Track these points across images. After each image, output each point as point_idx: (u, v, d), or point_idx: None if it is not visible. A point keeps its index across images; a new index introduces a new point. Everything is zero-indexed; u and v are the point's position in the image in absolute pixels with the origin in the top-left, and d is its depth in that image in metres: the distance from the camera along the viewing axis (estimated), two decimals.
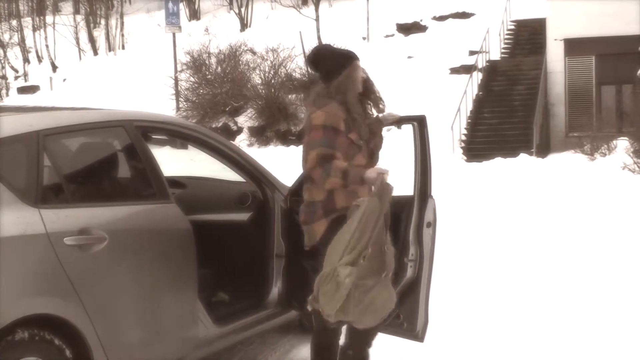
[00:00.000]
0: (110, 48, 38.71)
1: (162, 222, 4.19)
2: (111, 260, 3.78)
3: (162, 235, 4.16)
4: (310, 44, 28.74)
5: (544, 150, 21.42)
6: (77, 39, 38.78)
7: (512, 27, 28.65)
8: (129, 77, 31.36)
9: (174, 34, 24.45)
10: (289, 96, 27.51)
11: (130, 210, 4.06)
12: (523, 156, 17.79)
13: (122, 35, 39.11)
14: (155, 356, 4.04)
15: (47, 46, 39.49)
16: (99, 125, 4.22)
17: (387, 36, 31.20)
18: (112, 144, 4.43)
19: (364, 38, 31.27)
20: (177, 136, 4.93)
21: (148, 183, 4.25)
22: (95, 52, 38.76)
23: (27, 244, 3.42)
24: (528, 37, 27.82)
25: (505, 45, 27.71)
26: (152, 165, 4.26)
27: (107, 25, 39.20)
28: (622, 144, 16.66)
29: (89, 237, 3.67)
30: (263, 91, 27.29)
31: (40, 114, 4.04)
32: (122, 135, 4.25)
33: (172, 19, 24.44)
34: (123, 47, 38.68)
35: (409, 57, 28.06)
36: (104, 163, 4.33)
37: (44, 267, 3.47)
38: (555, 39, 23.52)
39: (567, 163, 16.96)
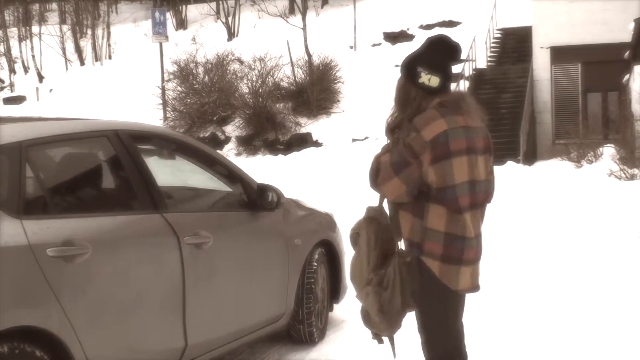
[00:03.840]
0: (97, 58, 38.63)
1: (146, 233, 4.18)
2: (94, 271, 3.75)
3: (147, 247, 4.15)
4: (298, 53, 28.88)
5: (530, 157, 21.52)
6: (63, 49, 38.66)
7: (499, 35, 28.79)
8: (116, 87, 31.31)
9: (160, 44, 24.45)
10: (277, 105, 27.55)
11: (113, 220, 4.04)
12: (510, 164, 17.85)
13: (109, 45, 39.03)
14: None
15: (33, 56, 39.36)
16: (81, 135, 4.21)
17: (374, 45, 31.30)
18: (96, 154, 4.42)
19: (351, 47, 31.36)
20: (163, 146, 4.96)
21: (132, 193, 4.26)
22: (82, 62, 38.67)
23: (9, 256, 3.37)
24: (514, 45, 27.95)
25: (492, 54, 27.84)
26: (137, 175, 4.26)
27: (93, 35, 39.14)
28: (609, 151, 16.74)
29: (72, 248, 3.63)
30: (251, 100, 27.32)
31: (23, 124, 4.01)
32: (105, 145, 4.26)
33: (159, 28, 24.43)
34: (110, 57, 38.61)
35: (396, 65, 28.07)
36: (87, 173, 4.31)
37: (26, 278, 3.42)
38: (542, 47, 23.67)
39: (553, 170, 17.02)
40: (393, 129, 3.62)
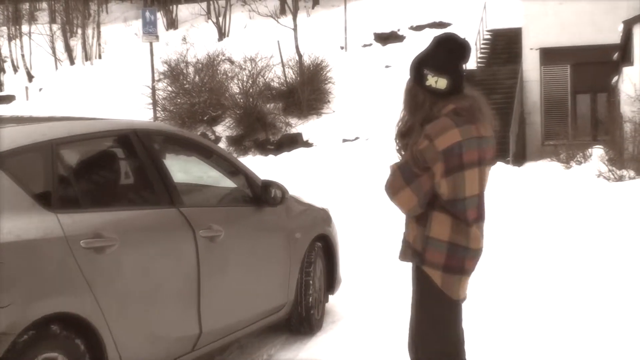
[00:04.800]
0: (87, 57, 38.55)
1: (165, 227, 4.43)
2: (121, 262, 3.99)
3: (167, 239, 4.40)
4: (289, 54, 28.90)
5: (520, 158, 21.60)
6: (53, 49, 38.58)
7: (488, 36, 28.88)
8: (106, 86, 31.25)
9: (151, 43, 24.36)
10: (267, 105, 27.56)
11: (136, 214, 4.33)
12: (499, 165, 17.88)
13: (99, 44, 38.97)
14: (160, 352, 4.30)
15: (22, 55, 39.25)
16: (105, 134, 4.52)
17: (364, 46, 31.37)
18: (118, 152, 4.66)
19: (342, 47, 31.40)
20: (175, 143, 5.25)
21: (151, 188, 4.54)
22: (72, 62, 38.58)
23: (48, 247, 3.62)
24: (504, 46, 28.04)
25: (482, 55, 27.92)
26: (155, 172, 4.54)
27: (83, 34, 39.06)
28: (597, 152, 16.81)
29: (102, 240, 3.87)
30: (241, 100, 27.32)
31: (53, 123, 4.25)
32: (126, 143, 4.54)
33: (149, 28, 24.33)
34: (100, 57, 38.54)
35: (387, 66, 28.20)
36: (110, 170, 4.56)
37: (63, 268, 3.67)
38: (531, 48, 23.77)
39: (543, 171, 17.09)
40: (405, 134, 3.48)
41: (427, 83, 3.37)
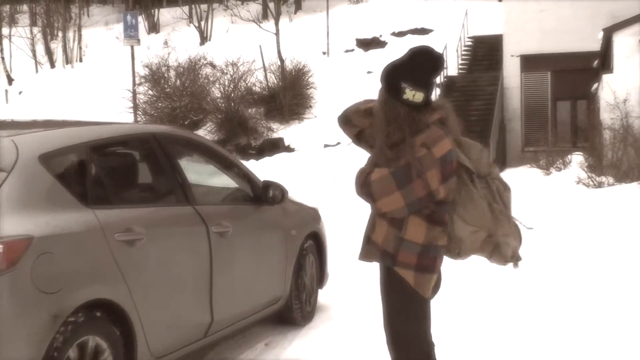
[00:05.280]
0: (67, 61, 38.38)
1: (183, 223, 4.85)
2: (148, 254, 4.39)
3: (185, 234, 4.81)
4: (270, 59, 28.91)
5: (500, 165, 21.70)
6: (33, 52, 38.39)
7: (470, 43, 29.04)
8: (86, 90, 31.12)
9: (132, 47, 24.28)
10: (249, 110, 27.53)
11: (159, 211, 4.77)
12: None
13: (80, 47, 38.83)
14: (178, 338, 4.69)
15: (2, 58, 39.02)
16: (129, 138, 4.99)
17: (347, 51, 31.43)
18: (141, 153, 5.11)
19: (324, 53, 31.45)
20: (187, 146, 5.64)
21: (170, 188, 4.99)
22: (52, 65, 38.40)
23: (89, 240, 4.01)
24: (485, 53, 28.20)
25: (463, 61, 28.06)
26: (172, 172, 5.01)
27: (64, 37, 38.89)
28: (577, 158, 16.91)
29: (133, 234, 4.27)
30: (223, 105, 27.28)
31: (84, 127, 4.72)
32: (148, 146, 4.98)
33: (131, 31, 24.24)
34: (81, 60, 38.38)
35: (369, 72, 28.26)
36: (136, 169, 5.02)
37: (101, 259, 4.06)
38: (512, 55, 23.90)
39: (523, 177, 17.17)
40: (393, 145, 3.49)
41: (405, 97, 3.40)
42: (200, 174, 5.93)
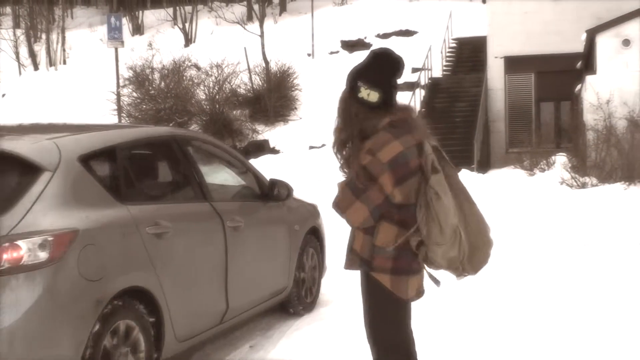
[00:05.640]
0: (51, 63, 38.18)
1: (203, 218, 5.30)
2: (174, 246, 4.85)
3: (204, 228, 5.27)
4: (255, 60, 28.88)
5: (484, 166, 21.76)
6: (17, 54, 38.15)
7: (454, 45, 29.13)
8: (70, 92, 30.96)
9: (116, 49, 24.21)
10: (234, 112, 27.49)
11: (182, 207, 5.21)
12: (464, 172, 18.01)
13: (64, 50, 38.62)
14: (198, 324, 5.16)
15: None
16: (153, 140, 5.48)
17: (331, 53, 31.46)
18: (164, 155, 5.59)
19: (308, 54, 31.46)
20: (201, 147, 6.03)
21: (190, 186, 5.44)
22: (36, 67, 38.18)
23: (124, 232, 4.45)
24: (469, 54, 28.29)
25: (447, 63, 28.14)
26: (192, 171, 5.47)
27: (48, 39, 38.67)
28: (561, 159, 16.98)
29: (161, 227, 4.73)
30: (207, 107, 27.22)
31: (115, 131, 5.29)
32: (170, 147, 5.46)
33: (115, 33, 24.18)
34: (64, 62, 38.19)
35: None
36: (159, 168, 5.63)
37: (135, 250, 4.51)
38: (496, 57, 23.97)
39: (507, 178, 17.23)
40: (341, 145, 3.60)
41: (360, 95, 3.48)
42: (213, 172, 6.36)
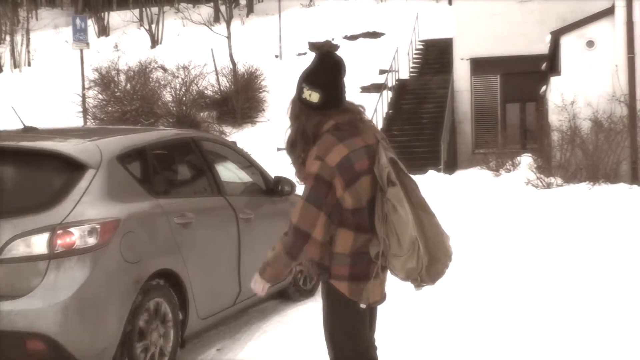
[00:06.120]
0: (15, 65, 37.71)
1: (219, 210, 5.99)
2: (197, 235, 5.53)
3: (221, 219, 5.97)
4: (223, 62, 28.77)
5: (451, 166, 21.87)
6: None
7: (421, 46, 29.27)
8: (35, 94, 30.58)
9: (81, 51, 23.99)
10: (201, 114, 27.35)
11: (201, 201, 5.94)
12: (431, 172, 18.12)
13: (28, 51, 38.16)
14: (216, 304, 5.83)
15: None
16: (175, 141, 6.19)
17: (299, 54, 31.42)
18: (185, 154, 6.26)
19: (276, 56, 31.42)
20: (215, 147, 6.66)
21: (208, 182, 6.11)
22: (0, 69, 37.69)
23: (156, 222, 5.18)
24: (436, 56, 28.44)
25: (414, 65, 28.27)
26: (208, 169, 6.15)
27: (12, 41, 38.21)
28: (526, 160, 17.11)
29: (185, 218, 5.44)
30: (174, 109, 27.05)
31: (143, 133, 5.97)
32: (190, 147, 6.18)
33: (80, 35, 23.96)
34: (29, 64, 37.74)
35: None
36: (181, 166, 6.30)
37: (165, 237, 5.21)
38: (462, 59, 24.11)
39: (473, 179, 17.33)
40: (291, 146, 3.66)
41: (303, 96, 3.57)
42: (225, 170, 6.94)
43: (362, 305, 3.55)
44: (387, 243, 3.45)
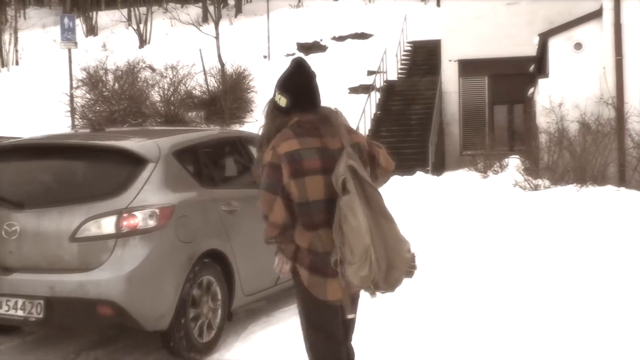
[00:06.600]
0: (3, 64, 37.57)
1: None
2: (241, 220, 6.24)
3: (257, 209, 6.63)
4: (211, 62, 28.72)
5: (439, 168, 21.88)
6: None
7: (409, 48, 29.29)
8: (23, 93, 30.45)
9: (69, 50, 23.93)
10: (189, 114, 27.30)
11: (243, 192, 6.51)
12: (419, 174, 18.10)
13: (16, 50, 38.01)
14: (258, 284, 6.49)
15: None
16: (224, 140, 7.18)
17: (287, 55, 31.38)
18: (231, 152, 7.09)
19: (265, 56, 31.39)
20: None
21: (247, 175, 6.52)
22: None
23: (207, 208, 5.98)
24: (424, 58, 28.46)
25: (402, 66, 28.29)
26: (249, 164, 6.57)
27: (0, 40, 38.02)
28: (514, 162, 17.13)
29: (231, 205, 6.24)
30: (162, 109, 26.99)
31: (195, 133, 6.81)
32: (235, 146, 7.10)
33: (68, 34, 23.91)
34: (17, 63, 37.59)
35: None
36: (227, 163, 7.03)
37: (214, 221, 6.01)
38: (450, 60, 24.13)
39: (461, 180, 17.33)
40: (260, 145, 3.86)
41: (275, 99, 3.85)
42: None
43: (320, 299, 3.64)
44: (343, 251, 3.52)
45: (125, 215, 5.37)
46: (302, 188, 3.61)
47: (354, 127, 19.06)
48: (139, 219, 5.39)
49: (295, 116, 3.71)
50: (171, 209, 5.54)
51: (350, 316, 3.72)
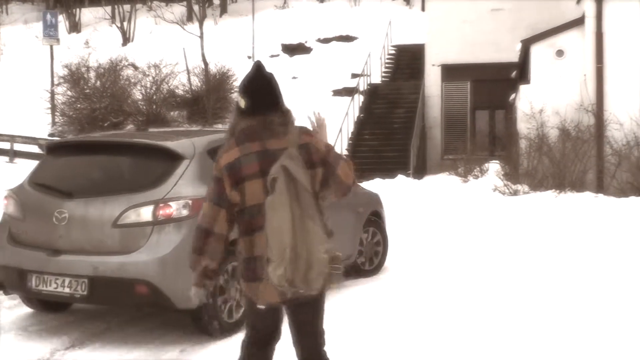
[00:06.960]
0: None
1: None
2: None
3: None
4: (195, 61, 28.65)
5: (420, 171, 21.95)
6: None
7: (393, 52, 29.36)
8: (3, 89, 30.25)
9: (51, 47, 23.84)
10: (172, 113, 27.22)
11: None
12: (400, 177, 18.16)
13: None
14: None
15: None
16: None
17: (272, 56, 31.41)
18: None
19: (249, 57, 31.34)
20: None
21: None
22: None
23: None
24: (408, 62, 28.52)
25: (386, 69, 28.35)
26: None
27: None
28: (494, 167, 17.22)
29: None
30: (144, 107, 26.90)
31: (214, 134, 6.81)
32: None
33: (50, 31, 23.84)
34: None
35: (294, 77, 28.30)
36: None
37: None
38: (433, 65, 24.21)
39: (441, 184, 17.40)
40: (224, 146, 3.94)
41: (238, 102, 3.91)
42: None
43: (260, 306, 3.75)
44: (267, 250, 3.61)
45: (161, 205, 5.93)
46: (242, 194, 3.70)
47: (337, 130, 18.90)
48: (173, 209, 5.93)
49: (245, 119, 3.80)
50: (202, 200, 5.69)
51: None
